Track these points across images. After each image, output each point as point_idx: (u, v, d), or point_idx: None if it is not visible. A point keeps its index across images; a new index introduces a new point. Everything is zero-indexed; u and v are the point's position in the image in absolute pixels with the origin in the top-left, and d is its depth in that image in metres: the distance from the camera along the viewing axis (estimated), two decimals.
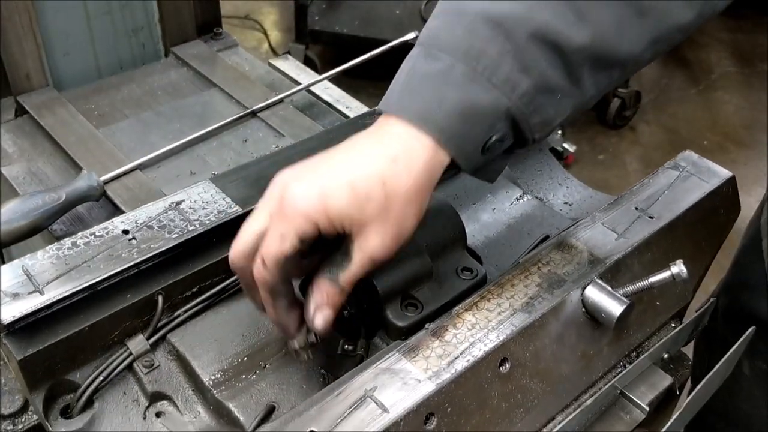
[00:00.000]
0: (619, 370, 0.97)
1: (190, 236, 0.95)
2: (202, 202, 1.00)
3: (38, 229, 1.16)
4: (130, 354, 0.92)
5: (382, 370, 0.80)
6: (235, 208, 1.00)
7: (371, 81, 3.62)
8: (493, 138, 0.79)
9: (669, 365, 1.05)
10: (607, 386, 0.93)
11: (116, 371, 0.90)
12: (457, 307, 0.87)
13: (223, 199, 1.01)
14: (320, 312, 0.82)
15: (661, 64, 4.24)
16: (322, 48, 3.93)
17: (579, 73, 0.79)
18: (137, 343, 0.92)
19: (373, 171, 0.77)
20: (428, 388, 0.77)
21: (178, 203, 1.00)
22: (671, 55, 4.31)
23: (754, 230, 1.36)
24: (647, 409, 0.95)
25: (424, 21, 2.98)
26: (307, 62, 3.78)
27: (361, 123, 1.17)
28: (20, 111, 1.43)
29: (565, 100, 0.81)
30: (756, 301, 1.32)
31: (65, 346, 0.88)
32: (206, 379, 0.89)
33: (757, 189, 3.43)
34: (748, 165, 3.61)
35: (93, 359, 0.91)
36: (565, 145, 1.38)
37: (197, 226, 0.97)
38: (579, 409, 0.91)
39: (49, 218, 1.16)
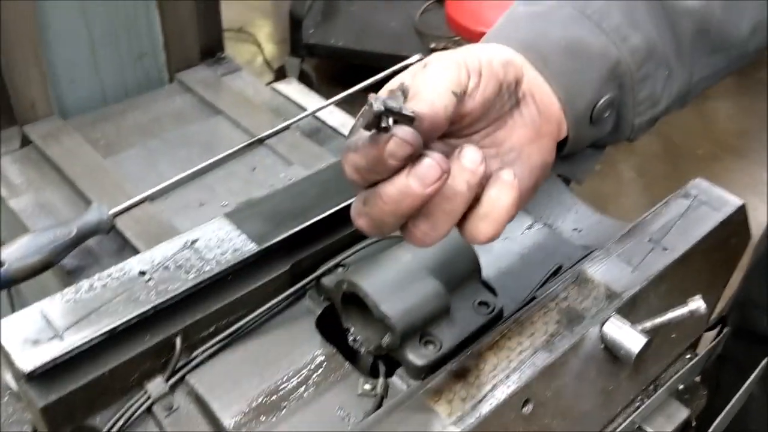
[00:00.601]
0: (637, 404, 0.98)
1: (206, 276, 0.95)
2: (218, 240, 1.00)
3: (50, 265, 1.15)
4: (149, 397, 0.91)
5: (406, 415, 0.80)
6: (250, 246, 0.99)
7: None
8: (602, 100, 0.75)
9: (684, 395, 1.06)
10: (626, 422, 0.94)
11: (135, 415, 0.90)
12: (478, 346, 0.87)
13: (239, 236, 1.01)
14: None
15: None
16: (317, 61, 3.92)
17: (684, 47, 0.77)
18: (156, 386, 0.92)
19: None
20: None
21: (194, 241, 1.00)
22: None
23: (764, 249, 1.36)
24: None
25: (419, 33, 2.99)
26: (303, 76, 3.78)
27: None
28: (25, 141, 1.42)
29: (672, 79, 0.78)
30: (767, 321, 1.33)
31: (85, 392, 0.87)
32: (226, 421, 0.89)
33: (752, 198, 3.46)
34: (743, 173, 3.63)
35: (113, 403, 0.90)
36: None
37: (214, 265, 0.96)
38: None
39: (60, 253, 1.16)
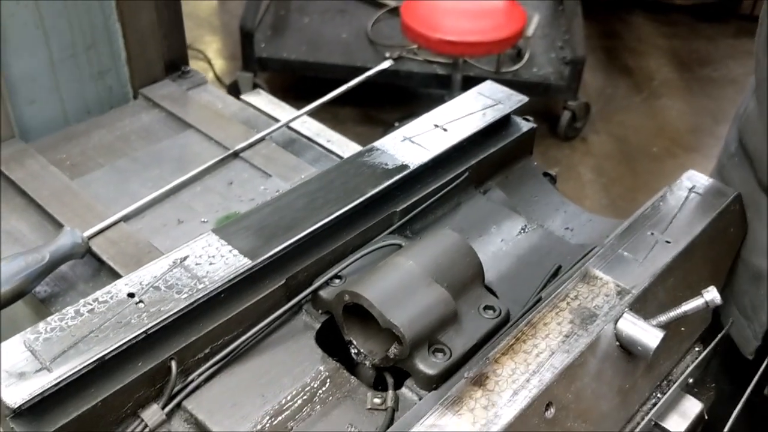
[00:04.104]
0: (653, 401, 0.95)
1: (201, 295, 0.90)
2: (208, 256, 0.95)
3: (22, 294, 1.08)
4: (146, 426, 0.85)
5: (429, 427, 0.76)
6: (244, 261, 0.94)
7: (348, 105, 3.59)
8: None
9: (693, 389, 1.04)
10: (645, 420, 0.91)
11: None
12: (493, 352, 0.84)
13: (230, 252, 0.96)
14: None
15: (604, 73, 4.31)
16: (270, 75, 3.87)
17: None
18: (152, 414, 0.86)
19: None
20: None
21: (183, 259, 0.94)
22: (613, 63, 4.39)
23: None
24: None
25: (372, 43, 3.01)
26: (248, 92, 3.72)
27: (360, 162, 1.13)
28: None
29: None
30: None
31: (77, 425, 0.81)
32: None
33: None
34: (698, 168, 3.67)
35: None
36: None
37: (207, 283, 0.91)
38: None
39: (33, 281, 1.09)
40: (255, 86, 3.72)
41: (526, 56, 3.66)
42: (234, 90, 3.81)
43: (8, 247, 1.21)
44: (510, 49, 3.49)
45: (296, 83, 3.91)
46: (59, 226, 1.21)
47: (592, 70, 4.19)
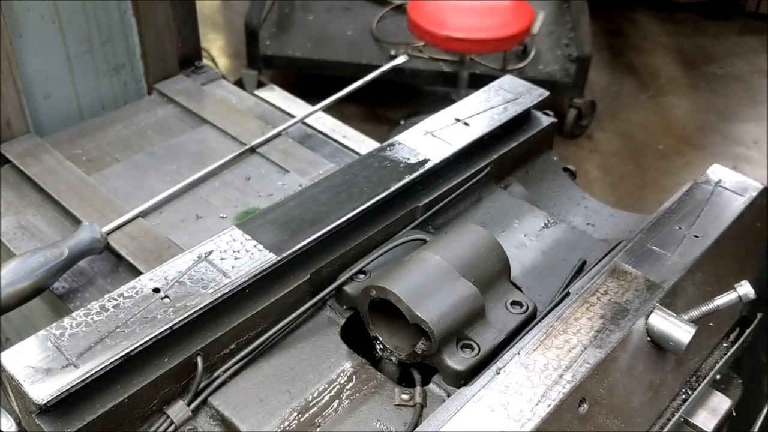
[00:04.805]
0: (683, 397, 0.94)
1: (227, 290, 0.89)
2: (233, 251, 0.94)
3: (41, 290, 1.07)
4: (171, 423, 0.84)
5: (462, 424, 0.75)
6: (269, 256, 0.93)
7: (354, 103, 3.57)
8: None
9: (720, 385, 1.03)
10: (675, 417, 0.90)
11: None
12: (525, 347, 0.83)
13: (254, 246, 0.94)
14: None
15: (609, 71, 4.30)
16: (274, 72, 3.86)
17: None
18: (178, 410, 0.85)
19: None
20: None
21: (208, 254, 0.93)
22: (618, 61, 4.38)
23: None
24: None
25: (376, 40, 3.00)
26: (261, 87, 3.71)
27: (382, 156, 1.12)
28: (1, 160, 1.33)
29: None
30: None
31: (104, 421, 0.80)
32: None
33: None
34: (705, 167, 3.66)
35: None
36: None
37: (233, 278, 0.90)
38: None
39: (52, 277, 1.08)
40: (260, 84, 3.71)
41: (532, 53, 3.64)
42: (239, 88, 3.80)
43: (25, 242, 1.20)
44: (516, 46, 3.47)
45: (301, 80, 3.91)
46: (76, 221, 1.21)
47: (597, 68, 4.18)
